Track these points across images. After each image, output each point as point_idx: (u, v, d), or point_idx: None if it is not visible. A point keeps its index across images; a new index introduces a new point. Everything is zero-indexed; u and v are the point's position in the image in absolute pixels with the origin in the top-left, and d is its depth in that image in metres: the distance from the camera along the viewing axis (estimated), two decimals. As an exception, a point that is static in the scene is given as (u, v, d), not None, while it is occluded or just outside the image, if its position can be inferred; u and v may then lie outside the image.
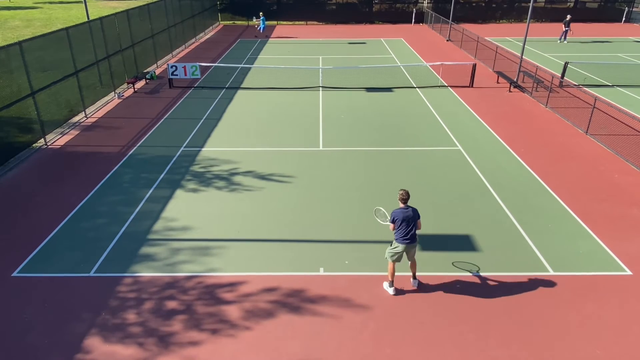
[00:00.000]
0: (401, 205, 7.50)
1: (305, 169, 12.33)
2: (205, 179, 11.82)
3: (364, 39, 31.44)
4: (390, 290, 7.88)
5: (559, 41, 30.13)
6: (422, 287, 8.04)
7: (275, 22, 38.49)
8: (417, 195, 11.02)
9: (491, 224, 9.87)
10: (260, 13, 32.39)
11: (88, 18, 18.35)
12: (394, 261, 7.70)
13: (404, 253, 7.63)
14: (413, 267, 8.02)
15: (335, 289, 8.01)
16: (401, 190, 7.57)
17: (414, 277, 8.08)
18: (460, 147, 13.66)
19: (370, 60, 25.00)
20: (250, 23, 32.32)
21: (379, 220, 8.10)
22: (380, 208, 8.24)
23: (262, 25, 31.54)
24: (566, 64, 19.81)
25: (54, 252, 8.96)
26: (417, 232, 7.63)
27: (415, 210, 7.53)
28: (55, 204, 10.61)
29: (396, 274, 7.91)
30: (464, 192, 11.18)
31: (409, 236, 7.49)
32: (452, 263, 8.56)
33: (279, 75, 21.36)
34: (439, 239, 9.36)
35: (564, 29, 29.62)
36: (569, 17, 29.61)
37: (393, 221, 7.50)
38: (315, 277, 8.28)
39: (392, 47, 28.83)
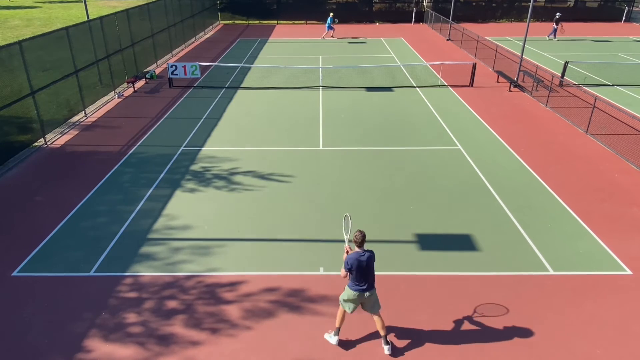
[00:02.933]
0: (356, 248, 6.38)
1: (305, 169, 12.32)
2: (205, 179, 11.82)
3: (364, 39, 31.43)
4: (333, 340, 6.81)
5: (555, 39, 30.69)
6: (422, 287, 8.03)
7: (275, 22, 38.47)
8: (416, 195, 11.03)
9: (491, 224, 9.87)
10: (331, 14, 32.18)
11: (88, 17, 18.34)
12: (345, 309, 6.67)
13: (360, 304, 6.58)
14: (379, 325, 6.67)
15: (335, 288, 8.00)
16: (357, 231, 6.36)
17: (385, 340, 6.69)
18: (460, 147, 13.65)
19: (371, 60, 24.99)
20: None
21: (344, 234, 6.77)
22: (348, 216, 6.89)
23: (329, 25, 31.43)
24: (566, 63, 19.81)
25: (54, 252, 8.95)
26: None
27: (371, 255, 6.39)
28: (55, 204, 10.61)
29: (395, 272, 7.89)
30: (464, 191, 11.18)
31: (364, 284, 6.41)
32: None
33: (278, 75, 21.35)
34: (438, 238, 9.36)
35: (554, 27, 30.46)
36: (558, 14, 30.45)
37: (348, 269, 6.34)
38: (315, 277, 8.28)
39: (392, 46, 28.82)
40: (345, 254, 6.47)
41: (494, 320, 7.32)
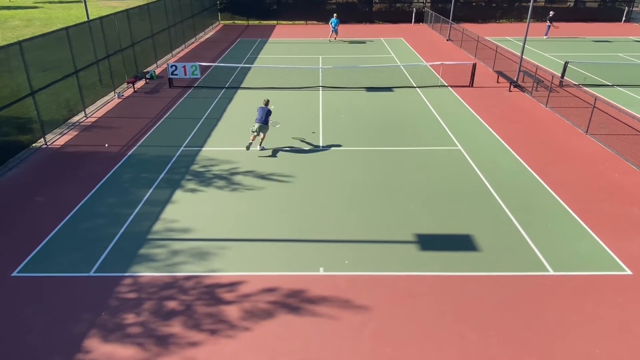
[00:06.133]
0: (262, 105, 13.55)
1: (305, 169, 12.33)
2: (205, 179, 11.82)
3: (364, 39, 31.43)
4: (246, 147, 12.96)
5: (544, 37, 31.29)
6: (422, 287, 8.04)
7: (275, 22, 38.47)
8: (416, 194, 11.03)
9: (491, 224, 9.87)
10: (335, 15, 31.54)
11: (88, 18, 18.34)
12: (252, 132, 13.12)
13: (258, 130, 13.05)
14: (261, 137, 13.48)
15: (335, 289, 8.01)
16: (265, 98, 14.06)
17: (261, 143, 13.59)
18: (460, 147, 13.66)
19: (371, 60, 24.99)
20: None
21: (271, 124, 13.66)
22: (275, 124, 14.16)
23: (333, 27, 30.45)
24: (566, 63, 19.81)
25: (53, 252, 8.96)
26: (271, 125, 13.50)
27: (268, 109, 13.31)
28: (55, 204, 10.61)
29: (394, 273, 7.92)
30: (464, 191, 11.18)
31: (258, 120, 13.08)
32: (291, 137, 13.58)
33: (279, 75, 21.36)
34: (438, 238, 9.36)
35: (548, 25, 31.01)
36: (552, 13, 31.22)
37: (259, 111, 13.32)
38: (315, 277, 8.28)
39: (392, 46, 28.83)
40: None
41: (494, 321, 7.33)
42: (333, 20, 30.39)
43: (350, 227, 9.75)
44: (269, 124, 13.40)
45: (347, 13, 38.49)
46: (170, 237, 9.46)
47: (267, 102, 13.61)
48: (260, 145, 13.46)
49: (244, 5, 37.97)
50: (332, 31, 30.58)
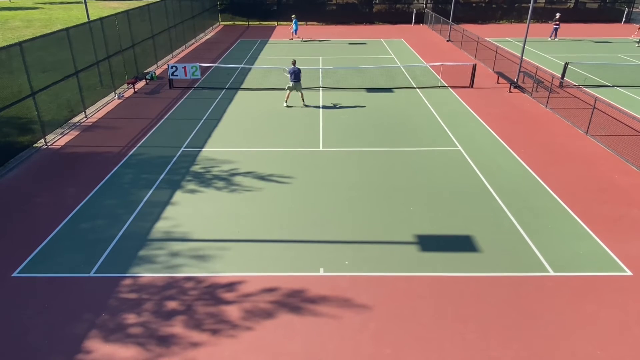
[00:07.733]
0: (292, 66, 16.62)
1: (305, 170, 12.33)
2: (205, 180, 11.83)
3: (364, 40, 31.46)
4: (284, 104, 17.11)
5: (555, 39, 31.09)
6: (422, 287, 8.04)
7: (275, 23, 38.51)
8: (416, 195, 11.03)
9: (491, 224, 9.87)
10: (293, 16, 31.84)
11: (88, 18, 18.36)
12: (288, 89, 16.95)
13: (294, 88, 16.85)
14: (300, 96, 17.37)
15: (335, 289, 8.01)
16: (293, 59, 16.96)
17: (303, 101, 17.40)
18: (460, 147, 13.66)
19: (371, 61, 25.01)
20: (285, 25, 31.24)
21: (285, 72, 17.11)
22: (285, 68, 17.29)
23: (295, 28, 30.85)
24: (566, 64, 19.82)
25: (54, 253, 8.96)
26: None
27: (299, 69, 16.56)
28: (55, 204, 10.62)
29: (397, 273, 7.93)
30: (464, 192, 11.19)
31: (295, 80, 16.60)
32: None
33: (279, 76, 21.37)
34: (438, 239, 9.36)
35: (555, 26, 30.88)
36: (558, 15, 31.08)
37: (290, 72, 16.48)
38: (315, 278, 8.29)
39: (392, 47, 28.85)
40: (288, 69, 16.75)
41: (494, 321, 7.33)
42: (295, 21, 30.67)
43: (350, 228, 9.76)
44: (291, 77, 16.83)
45: (347, 14, 38.55)
46: (170, 237, 9.46)
47: (294, 62, 16.68)
48: (303, 102, 17.21)
49: (244, 6, 38.01)
50: (293, 31, 30.76)
